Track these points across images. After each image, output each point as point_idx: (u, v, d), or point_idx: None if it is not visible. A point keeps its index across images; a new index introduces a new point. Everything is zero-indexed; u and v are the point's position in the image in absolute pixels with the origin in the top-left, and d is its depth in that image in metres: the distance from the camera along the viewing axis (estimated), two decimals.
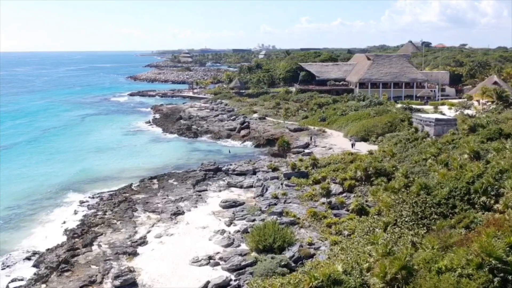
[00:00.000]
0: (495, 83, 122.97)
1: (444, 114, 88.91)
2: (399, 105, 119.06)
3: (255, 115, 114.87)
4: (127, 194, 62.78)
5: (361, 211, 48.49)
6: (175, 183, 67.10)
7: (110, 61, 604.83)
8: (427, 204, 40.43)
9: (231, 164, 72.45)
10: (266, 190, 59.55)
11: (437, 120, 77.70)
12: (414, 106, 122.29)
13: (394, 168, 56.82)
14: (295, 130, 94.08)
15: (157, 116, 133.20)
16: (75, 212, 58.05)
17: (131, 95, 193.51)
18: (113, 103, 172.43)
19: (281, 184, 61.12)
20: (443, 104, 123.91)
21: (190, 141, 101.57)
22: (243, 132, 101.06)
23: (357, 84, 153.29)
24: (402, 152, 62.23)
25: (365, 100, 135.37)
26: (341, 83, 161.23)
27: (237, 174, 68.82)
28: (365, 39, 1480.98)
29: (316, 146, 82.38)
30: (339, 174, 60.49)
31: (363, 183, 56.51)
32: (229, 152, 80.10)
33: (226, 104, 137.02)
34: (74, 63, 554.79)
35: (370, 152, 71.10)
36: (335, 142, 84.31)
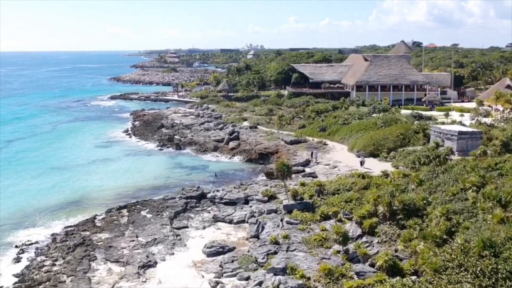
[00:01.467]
0: (508, 86, 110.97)
1: (464, 125, 76.36)
2: (403, 111, 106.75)
3: (245, 123, 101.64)
4: (88, 233, 49.36)
5: (393, 268, 35.53)
6: (148, 215, 53.73)
7: (96, 61, 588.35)
8: (499, 275, 27.70)
9: (218, 190, 59.10)
10: (262, 229, 46.48)
11: (460, 133, 65.24)
12: (419, 112, 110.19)
13: (425, 202, 44.05)
14: (292, 143, 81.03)
15: (137, 123, 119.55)
16: (17, 260, 44.56)
17: (112, 98, 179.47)
18: (91, 107, 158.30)
19: (281, 220, 48.02)
20: (450, 109, 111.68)
21: (171, 154, 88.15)
22: (232, 144, 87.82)
23: (354, 86, 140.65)
24: (432, 178, 49.29)
25: (366, 105, 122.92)
26: (336, 85, 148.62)
27: (225, 203, 55.66)
28: (353, 39, 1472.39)
29: (318, 163, 69.44)
30: (354, 207, 47.62)
31: (387, 221, 43.57)
32: (216, 175, 66.04)
33: (213, 110, 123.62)
34: (58, 64, 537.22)
35: (385, 174, 58.42)
36: (340, 158, 71.40)
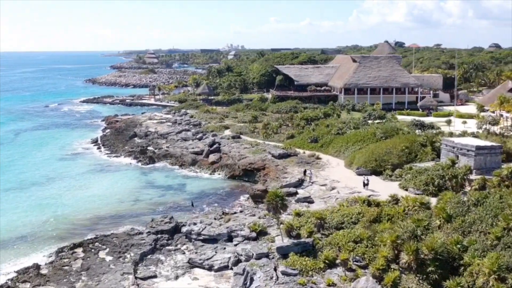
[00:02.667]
0: (511, 90, 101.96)
1: (476, 136, 66.61)
2: (399, 117, 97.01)
3: (227, 132, 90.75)
4: (28, 286, 38.07)
5: None
6: (108, 258, 42.70)
7: (74, 62, 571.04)
8: None
9: (195, 222, 47.98)
10: (251, 281, 35.84)
11: (478, 148, 55.34)
12: (416, 118, 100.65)
13: (459, 246, 33.89)
14: (281, 156, 70.39)
15: (108, 131, 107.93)
16: None
17: (84, 102, 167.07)
18: (60, 112, 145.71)
19: (275, 269, 37.32)
20: (449, 114, 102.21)
21: (144, 169, 77.04)
22: (212, 158, 76.92)
23: (341, 89, 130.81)
24: (462, 212, 38.99)
25: (357, 110, 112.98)
26: (323, 88, 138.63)
27: (204, 240, 44.75)
28: (334, 40, 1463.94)
29: (312, 183, 58.93)
30: (367, 250, 37.23)
31: (413, 272, 33.27)
32: (192, 205, 54.23)
33: (191, 116, 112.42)
34: (34, 64, 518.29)
35: (394, 199, 48.32)
36: (337, 176, 60.98)
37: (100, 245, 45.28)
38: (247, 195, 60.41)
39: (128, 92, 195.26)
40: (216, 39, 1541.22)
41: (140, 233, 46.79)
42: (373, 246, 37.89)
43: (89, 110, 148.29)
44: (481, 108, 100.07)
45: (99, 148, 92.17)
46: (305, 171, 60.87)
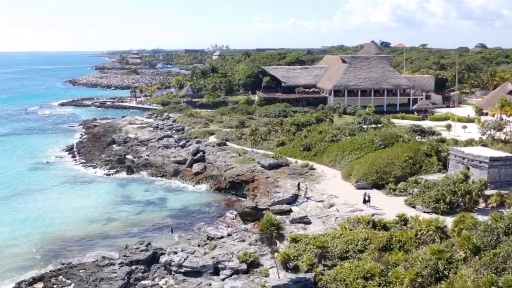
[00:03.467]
0: (511, 92, 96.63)
1: (486, 145, 60.71)
2: (394, 121, 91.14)
3: (212, 139, 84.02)
4: None
5: None
6: None
7: (57, 62, 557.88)
8: None
9: (175, 251, 41.13)
10: None
11: (492, 159, 49.36)
12: (412, 122, 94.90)
13: None
14: (271, 167, 63.84)
15: (85, 137, 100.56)
16: None
17: (62, 105, 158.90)
18: (36, 116, 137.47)
19: None
20: (446, 118, 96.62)
21: (121, 181, 70.07)
22: (196, 168, 70.17)
23: (331, 91, 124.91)
24: (491, 242, 32.76)
25: (348, 113, 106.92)
26: (311, 90, 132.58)
27: (185, 273, 38.01)
28: (318, 40, 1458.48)
29: (308, 198, 52.48)
30: None
31: None
32: (172, 231, 46.86)
33: (174, 121, 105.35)
34: (14, 65, 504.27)
35: (403, 219, 42.28)
36: (335, 189, 54.65)
37: (64, 279, 38.35)
38: (235, 212, 53.87)
39: (110, 94, 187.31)
40: (201, 39, 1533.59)
41: (112, 264, 39.84)
42: (387, 284, 31.59)
43: (67, 114, 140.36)
44: (479, 111, 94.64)
45: (73, 156, 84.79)
46: (299, 185, 54.38)
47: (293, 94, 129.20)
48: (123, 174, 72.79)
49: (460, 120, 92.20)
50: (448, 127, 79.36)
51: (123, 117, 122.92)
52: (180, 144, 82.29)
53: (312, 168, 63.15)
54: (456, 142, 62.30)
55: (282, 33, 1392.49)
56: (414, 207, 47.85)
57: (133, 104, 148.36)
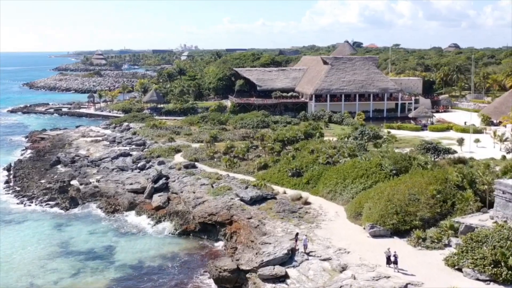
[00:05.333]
0: None
1: None
2: (393, 132, 77.39)
3: (179, 158, 68.33)
4: None
5: None
6: None
7: (17, 63, 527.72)
8: None
9: None
10: None
11: None
12: (406, 131, 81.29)
13: None
14: (254, 201, 48.74)
15: (28, 154, 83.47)
16: None
17: (12, 112, 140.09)
18: None
19: None
20: (448, 128, 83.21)
21: (61, 218, 53.98)
22: (157, 200, 54.50)
23: (312, 96, 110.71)
24: None
25: (335, 122, 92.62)
26: (290, 94, 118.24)
27: None
28: (288, 40, 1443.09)
29: (309, 256, 37.47)
30: None
31: None
32: None
33: (135, 133, 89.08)
34: None
35: None
36: (342, 238, 39.94)
37: None
38: (208, 276, 38.53)
39: (68, 98, 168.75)
40: (170, 40, 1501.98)
41: None
42: None
43: (16, 123, 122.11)
44: (487, 120, 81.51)
45: (8, 182, 67.77)
46: (296, 235, 39.22)
47: (270, 99, 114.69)
48: (65, 208, 56.51)
49: (465, 131, 78.92)
50: (460, 142, 65.64)
51: (77, 127, 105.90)
52: (138, 165, 66.30)
53: (306, 202, 48.26)
54: (487, 167, 48.23)
55: (251, 33, 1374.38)
56: (460, 270, 33.49)
57: (91, 111, 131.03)
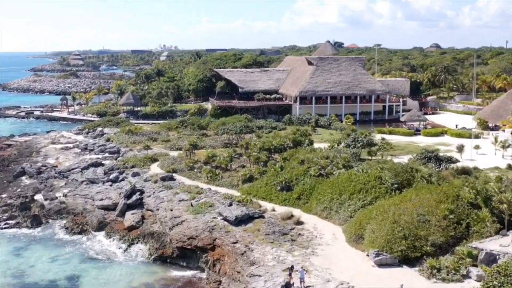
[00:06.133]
0: None
1: None
2: (378, 136, 72.02)
3: (155, 169, 61.88)
4: None
5: None
6: None
7: None
8: None
9: None
10: None
11: None
12: (398, 136, 76.07)
13: None
14: (239, 221, 42.72)
15: None
16: None
17: None
18: None
19: None
20: (442, 133, 78.21)
21: (21, 240, 47.30)
22: (130, 218, 48.09)
23: (296, 98, 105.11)
24: None
25: (322, 125, 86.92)
26: (273, 96, 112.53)
27: None
28: (268, 40, 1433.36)
29: None
30: None
31: None
32: None
33: (108, 139, 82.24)
34: None
35: None
36: (343, 268, 34.18)
37: None
38: None
39: (42, 100, 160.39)
40: (149, 40, 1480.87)
41: None
42: None
43: None
44: (484, 124, 76.65)
45: None
46: (291, 268, 33.22)
47: (252, 102, 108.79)
48: (26, 229, 49.76)
49: (461, 135, 73.96)
50: (460, 149, 60.41)
51: (48, 132, 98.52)
52: (110, 177, 59.65)
53: (298, 222, 42.39)
54: (499, 180, 42.90)
55: (231, 34, 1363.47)
56: None
57: (64, 114, 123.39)
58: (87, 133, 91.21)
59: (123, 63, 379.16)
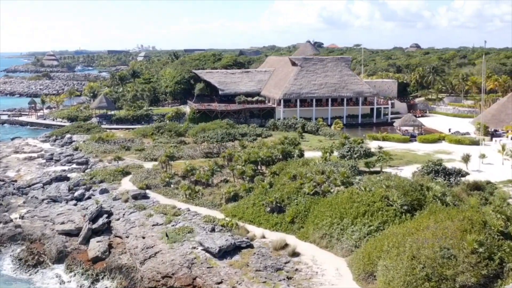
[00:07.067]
0: None
1: None
2: (372, 144, 65.73)
3: (127, 184, 54.35)
4: None
5: None
6: None
7: None
8: None
9: None
10: None
11: None
12: (392, 143, 69.90)
13: None
14: (224, 253, 35.64)
15: None
16: None
17: None
18: None
19: None
20: (440, 139, 72.20)
21: None
22: (95, 247, 40.58)
23: (280, 101, 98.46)
24: None
25: (308, 131, 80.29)
26: (255, 99, 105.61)
27: None
28: (247, 40, 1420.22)
29: None
30: None
31: None
32: None
33: (77, 148, 74.33)
34: None
35: None
36: None
37: None
38: None
39: (12, 103, 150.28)
40: (127, 40, 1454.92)
41: None
42: None
43: None
44: (485, 130, 70.82)
45: None
46: None
47: (233, 105, 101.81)
48: None
49: (460, 141, 68.00)
50: (466, 159, 54.23)
51: (12, 139, 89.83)
52: (75, 195, 51.95)
53: (294, 253, 35.48)
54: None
55: (210, 33, 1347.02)
56: None
57: (33, 119, 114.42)
58: (55, 140, 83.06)
59: (99, 63, 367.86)
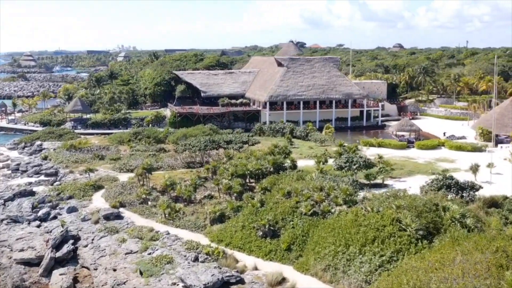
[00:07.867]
0: None
1: None
2: (368, 151, 60.43)
3: (98, 199, 47.95)
4: None
5: None
6: None
7: None
8: None
9: None
10: None
11: None
12: (389, 149, 64.62)
13: None
14: None
15: None
16: None
17: None
18: None
19: None
20: (439, 145, 67.04)
21: None
22: (58, 281, 34.32)
23: (265, 103, 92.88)
24: None
25: (298, 136, 74.55)
26: (239, 101, 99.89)
27: None
28: (229, 40, 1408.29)
29: None
30: None
31: None
32: None
33: (46, 157, 67.39)
34: None
35: None
36: None
37: None
38: None
39: None
40: (107, 40, 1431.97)
41: None
42: None
43: None
44: (487, 135, 65.85)
45: None
46: None
47: (217, 108, 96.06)
48: None
49: (461, 148, 62.91)
50: (475, 170, 49.00)
51: None
52: (39, 214, 45.32)
53: None
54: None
55: (191, 33, 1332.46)
56: None
57: (3, 123, 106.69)
58: (23, 148, 76.00)
59: (78, 64, 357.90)
